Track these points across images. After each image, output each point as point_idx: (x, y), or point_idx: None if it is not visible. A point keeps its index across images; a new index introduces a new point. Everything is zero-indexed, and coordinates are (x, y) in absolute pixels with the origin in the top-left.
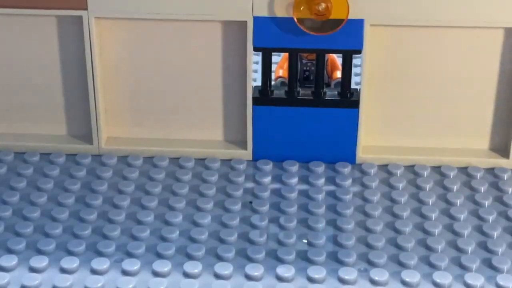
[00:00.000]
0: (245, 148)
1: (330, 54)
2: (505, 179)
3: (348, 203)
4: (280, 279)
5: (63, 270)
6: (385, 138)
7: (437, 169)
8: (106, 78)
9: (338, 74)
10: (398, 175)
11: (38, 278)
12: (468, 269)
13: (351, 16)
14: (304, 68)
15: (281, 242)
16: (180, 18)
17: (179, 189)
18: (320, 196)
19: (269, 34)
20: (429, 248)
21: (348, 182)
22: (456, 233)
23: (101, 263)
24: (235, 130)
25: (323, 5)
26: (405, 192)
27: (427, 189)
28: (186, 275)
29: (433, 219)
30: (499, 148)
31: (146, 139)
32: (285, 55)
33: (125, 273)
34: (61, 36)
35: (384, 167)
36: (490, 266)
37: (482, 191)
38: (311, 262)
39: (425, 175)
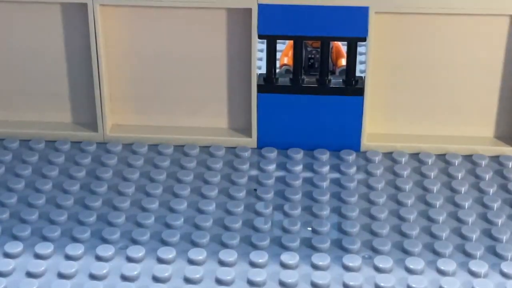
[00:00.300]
0: (250, 135)
1: (335, 42)
2: (510, 167)
3: (353, 190)
4: (284, 266)
5: (68, 257)
6: (390, 126)
7: (441, 157)
8: (111, 65)
9: (343, 61)
10: (403, 162)
11: (43, 264)
12: (472, 256)
13: (356, 3)
14: (309, 56)
15: (286, 229)
16: (185, 5)
17: (184, 176)
18: (325, 184)
19: (274, 22)
20: (433, 236)
21: (353, 169)
22: (461, 221)
23: (106, 250)
24: (240, 117)
25: None
26: (409, 180)
27: (432, 177)
28: (191, 262)
29: (437, 206)
30: (504, 136)
31: (151, 127)
32: (289, 42)
33: (129, 259)
34: (66, 24)
35: (388, 155)
36: (494, 253)
37: (486, 179)
38: (316, 249)
39: (429, 163)
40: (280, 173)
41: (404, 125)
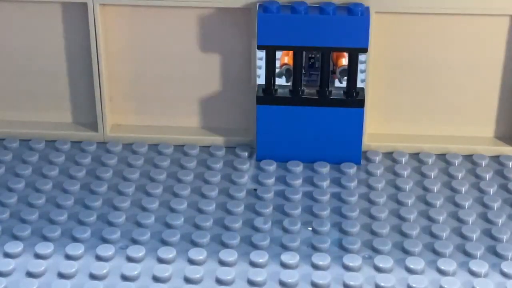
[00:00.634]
0: (249, 135)
1: None
2: (510, 166)
3: (353, 190)
4: (284, 266)
5: (68, 257)
6: (390, 126)
7: (442, 156)
8: (111, 65)
9: (344, 61)
10: (403, 162)
11: (44, 264)
12: (472, 256)
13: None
14: (310, 55)
15: (286, 229)
16: (185, 5)
17: (184, 176)
18: (325, 198)
19: (274, 32)
20: (433, 236)
21: (354, 183)
22: (461, 221)
23: (106, 250)
24: (239, 118)
25: None
26: (410, 180)
27: (432, 177)
28: (191, 261)
29: (437, 206)
30: (504, 136)
31: (151, 127)
32: None
33: (130, 259)
34: (66, 23)
35: (389, 155)
36: (494, 253)
37: (487, 178)
38: (316, 249)
39: (430, 163)
40: (280, 187)
41: (404, 125)
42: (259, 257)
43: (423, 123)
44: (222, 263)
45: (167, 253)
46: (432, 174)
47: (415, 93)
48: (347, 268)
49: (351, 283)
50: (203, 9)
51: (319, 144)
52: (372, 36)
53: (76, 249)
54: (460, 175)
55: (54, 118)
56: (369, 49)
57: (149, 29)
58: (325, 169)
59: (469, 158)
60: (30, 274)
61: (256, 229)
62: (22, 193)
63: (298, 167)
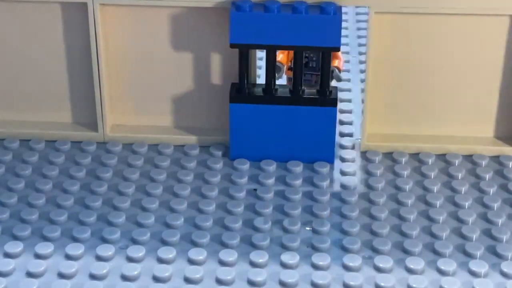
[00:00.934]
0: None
1: None
2: (510, 167)
3: (353, 190)
4: (284, 266)
5: (68, 257)
6: (390, 126)
7: (442, 157)
8: (111, 65)
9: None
10: (403, 163)
11: (43, 264)
12: (472, 256)
13: (356, 3)
14: (305, 55)
15: (286, 229)
16: (185, 4)
17: (184, 176)
18: (297, 197)
19: (246, 31)
20: (433, 236)
21: (326, 182)
22: (461, 221)
23: (106, 250)
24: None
25: None
26: (409, 180)
27: (432, 177)
28: (191, 261)
29: (437, 206)
30: (504, 136)
31: (151, 127)
32: None
33: (130, 259)
34: (66, 23)
35: (389, 155)
36: (494, 253)
37: (487, 178)
38: (316, 249)
39: (430, 163)
40: (251, 186)
41: (404, 125)
42: (259, 257)
43: (423, 123)
44: (222, 263)
45: (167, 253)
46: (432, 174)
47: (415, 93)
48: (347, 268)
49: (351, 283)
50: (203, 9)
51: (292, 143)
52: (372, 36)
53: (76, 249)
54: (460, 175)
55: (54, 118)
56: (369, 49)
57: (149, 29)
58: (298, 168)
59: (469, 158)
60: (30, 274)
61: (256, 229)
62: (22, 193)
63: (271, 166)
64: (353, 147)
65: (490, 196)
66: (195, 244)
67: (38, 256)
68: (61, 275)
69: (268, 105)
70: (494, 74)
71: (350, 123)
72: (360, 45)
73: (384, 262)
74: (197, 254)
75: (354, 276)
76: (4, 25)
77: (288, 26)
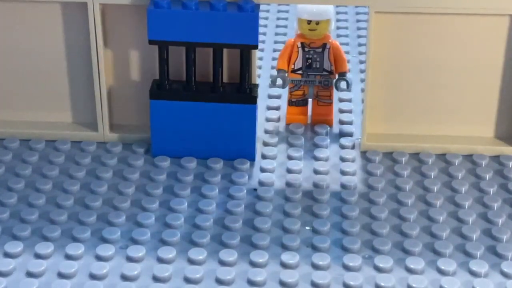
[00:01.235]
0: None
1: (333, 42)
2: (510, 166)
3: (353, 190)
4: (284, 266)
5: (68, 257)
6: (390, 126)
7: (442, 156)
8: (111, 65)
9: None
10: (403, 162)
11: (43, 264)
12: (472, 256)
13: (356, 3)
14: (307, 56)
15: (286, 229)
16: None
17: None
18: (213, 194)
19: (165, 27)
20: (433, 235)
21: (245, 179)
22: (461, 220)
23: (106, 250)
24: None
25: None
26: (409, 180)
27: (432, 177)
28: (191, 261)
29: (437, 206)
30: (505, 136)
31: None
32: (288, 42)
33: (130, 259)
34: (66, 23)
35: (389, 155)
36: (494, 253)
37: (487, 178)
38: (316, 249)
39: (430, 163)
40: (170, 183)
41: (404, 125)
42: (259, 257)
43: (423, 123)
44: (222, 263)
45: (167, 253)
46: (432, 174)
47: (415, 93)
48: (347, 268)
49: (351, 283)
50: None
51: (213, 140)
52: (372, 36)
53: (76, 249)
54: (460, 175)
55: (54, 118)
56: (369, 49)
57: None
58: (218, 165)
59: (469, 158)
60: (30, 274)
61: (256, 229)
62: (22, 193)
63: (191, 163)
64: (353, 147)
65: (490, 196)
66: (195, 244)
67: (38, 256)
68: (61, 275)
69: (188, 102)
70: (494, 74)
71: (350, 123)
72: (360, 45)
73: (384, 262)
74: (197, 254)
75: (354, 276)
76: (4, 25)
77: (206, 23)
